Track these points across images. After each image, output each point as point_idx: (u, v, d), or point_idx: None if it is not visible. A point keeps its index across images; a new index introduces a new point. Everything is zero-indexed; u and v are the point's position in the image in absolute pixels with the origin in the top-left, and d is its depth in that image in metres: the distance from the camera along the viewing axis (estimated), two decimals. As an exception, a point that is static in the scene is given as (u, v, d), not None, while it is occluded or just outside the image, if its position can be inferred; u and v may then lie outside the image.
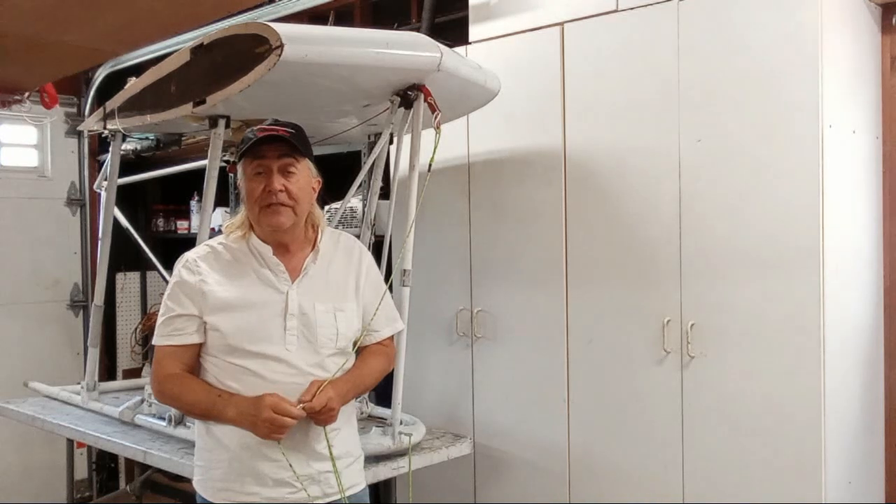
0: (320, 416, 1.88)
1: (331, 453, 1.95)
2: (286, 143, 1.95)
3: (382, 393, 2.89)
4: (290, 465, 1.90)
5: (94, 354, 3.30)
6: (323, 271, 2.03)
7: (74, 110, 4.80)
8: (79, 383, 3.40)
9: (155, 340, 1.98)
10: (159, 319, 1.98)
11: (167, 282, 2.09)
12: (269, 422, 1.82)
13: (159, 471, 3.53)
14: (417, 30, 3.27)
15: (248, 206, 1.99)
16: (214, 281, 1.96)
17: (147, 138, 4.14)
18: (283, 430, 1.84)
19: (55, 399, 3.49)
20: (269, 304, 1.95)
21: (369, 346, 2.09)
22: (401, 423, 2.60)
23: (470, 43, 3.14)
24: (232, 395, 1.89)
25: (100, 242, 3.26)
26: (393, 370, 2.41)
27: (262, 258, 1.99)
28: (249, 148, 1.95)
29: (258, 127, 1.98)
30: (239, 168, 2.00)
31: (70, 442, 3.61)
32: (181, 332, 1.95)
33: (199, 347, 1.97)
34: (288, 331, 1.94)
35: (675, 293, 2.60)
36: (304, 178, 1.99)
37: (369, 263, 2.14)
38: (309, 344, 1.95)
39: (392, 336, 2.17)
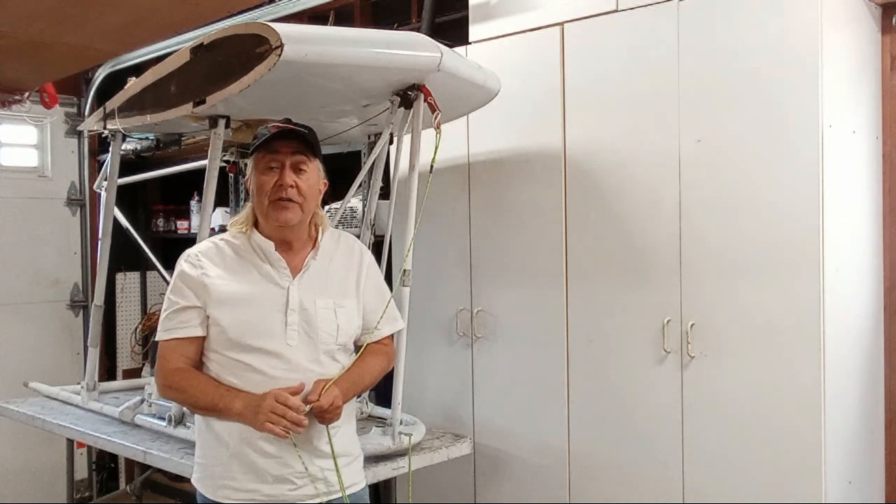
0: (327, 414, 1.88)
1: (332, 451, 1.95)
2: (300, 140, 1.97)
3: (382, 393, 2.89)
4: (302, 461, 1.90)
5: (94, 354, 3.30)
6: (324, 268, 2.04)
7: (74, 110, 4.80)
8: (79, 383, 3.40)
9: (159, 336, 1.98)
10: (163, 315, 1.98)
11: (167, 282, 2.10)
12: (269, 409, 1.80)
13: (159, 471, 3.53)
14: (417, 30, 3.27)
15: (258, 200, 1.99)
16: (216, 275, 1.97)
17: (147, 138, 4.12)
18: (282, 422, 1.81)
19: (55, 399, 3.49)
20: (270, 299, 1.96)
21: (369, 344, 2.09)
22: (401, 423, 2.60)
23: (470, 43, 3.14)
24: (240, 390, 1.89)
25: (100, 242, 3.26)
26: (393, 370, 2.41)
27: (264, 253, 1.99)
28: (264, 142, 1.96)
29: (272, 124, 2.00)
30: (249, 163, 2.02)
31: (70, 442, 3.61)
32: (185, 325, 1.95)
33: (203, 342, 1.97)
34: (289, 326, 1.94)
35: (675, 293, 2.60)
36: (314, 177, 2.01)
37: (370, 262, 2.15)
38: (310, 339, 1.96)
39: (392, 335, 2.18)
